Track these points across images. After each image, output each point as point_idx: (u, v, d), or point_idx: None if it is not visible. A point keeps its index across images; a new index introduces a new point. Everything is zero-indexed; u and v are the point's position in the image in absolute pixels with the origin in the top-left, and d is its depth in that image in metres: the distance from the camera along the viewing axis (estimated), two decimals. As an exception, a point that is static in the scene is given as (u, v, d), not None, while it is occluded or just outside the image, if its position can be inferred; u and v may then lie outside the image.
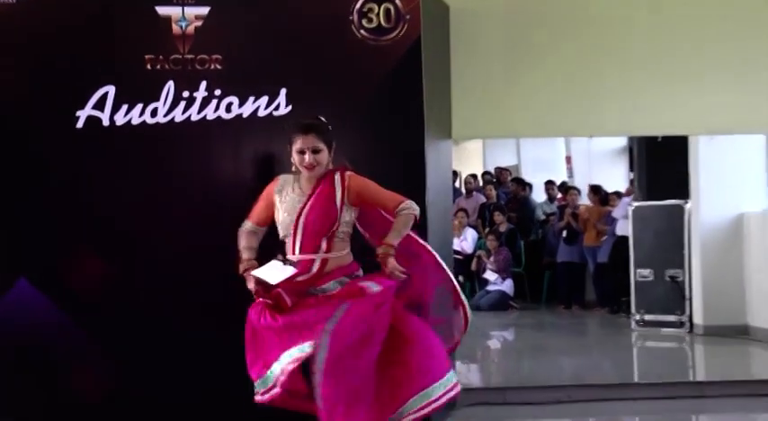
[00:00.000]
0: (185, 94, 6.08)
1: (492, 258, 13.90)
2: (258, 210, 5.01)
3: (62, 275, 6.01)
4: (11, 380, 6.00)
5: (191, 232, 6.08)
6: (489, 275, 13.88)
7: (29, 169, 6.05)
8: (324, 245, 4.76)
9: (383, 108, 6.26)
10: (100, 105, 6.00)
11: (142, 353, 6.04)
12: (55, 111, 6.03)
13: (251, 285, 4.81)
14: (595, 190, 13.71)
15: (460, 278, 13.72)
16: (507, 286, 13.86)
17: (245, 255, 4.96)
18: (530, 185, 16.22)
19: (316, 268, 4.76)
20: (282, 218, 4.85)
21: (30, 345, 6.00)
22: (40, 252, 6.03)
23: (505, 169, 17.71)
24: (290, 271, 4.73)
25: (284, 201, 4.87)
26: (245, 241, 5.00)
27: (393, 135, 6.27)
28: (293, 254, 4.80)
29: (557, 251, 13.79)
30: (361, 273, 4.88)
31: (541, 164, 17.46)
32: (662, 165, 12.28)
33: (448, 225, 7.57)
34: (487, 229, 14.78)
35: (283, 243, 4.90)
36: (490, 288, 13.84)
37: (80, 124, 6.01)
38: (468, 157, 19.55)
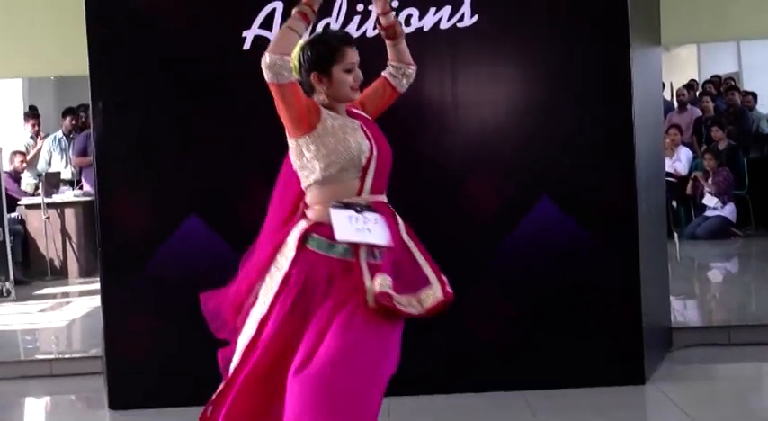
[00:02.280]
0: (359, 7, 6.05)
1: (710, 180, 13.51)
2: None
3: (230, 207, 6.13)
4: (179, 312, 6.20)
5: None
6: (708, 200, 13.51)
7: (195, 96, 6.16)
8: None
9: (582, 13, 6.09)
10: (267, 24, 6.04)
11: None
12: (220, 33, 6.11)
13: None
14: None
15: (674, 203, 13.40)
16: (729, 211, 13.45)
17: None
18: (754, 95, 15.63)
19: (392, 209, 4.01)
20: (346, 145, 3.89)
21: (200, 284, 6.18)
22: (209, 185, 6.16)
23: (727, 78, 17.10)
24: (378, 218, 3.91)
25: (345, 128, 3.93)
26: None
27: (594, 43, 6.11)
28: (359, 195, 3.92)
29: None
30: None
31: (767, 69, 16.81)
32: None
33: (659, 143, 7.36)
34: (704, 147, 14.35)
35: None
36: (709, 213, 13.48)
37: (247, 45, 6.07)
38: (680, 66, 18.95)
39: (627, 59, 6.06)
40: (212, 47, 6.14)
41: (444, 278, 3.90)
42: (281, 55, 3.75)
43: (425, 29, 6.04)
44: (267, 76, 3.78)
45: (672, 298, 7.48)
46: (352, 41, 4.02)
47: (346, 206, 3.84)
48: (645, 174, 6.29)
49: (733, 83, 16.68)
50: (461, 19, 6.04)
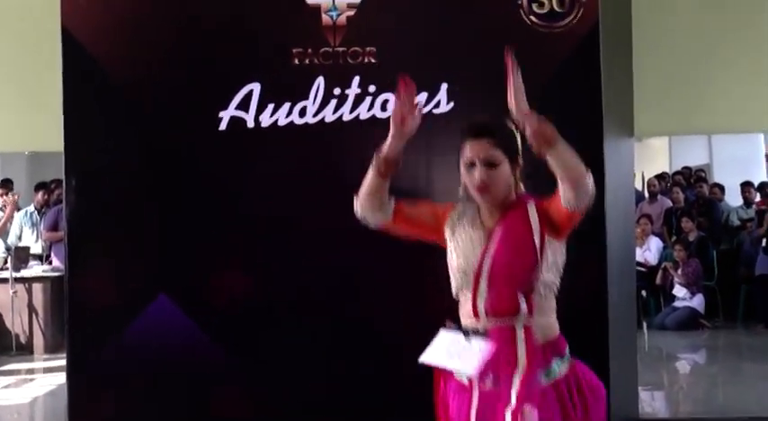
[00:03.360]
0: (337, 91, 6.10)
1: (680, 271, 13.54)
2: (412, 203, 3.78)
3: (201, 290, 6.11)
4: (147, 394, 6.12)
5: (346, 244, 6.09)
6: (677, 290, 13.53)
7: (169, 175, 6.16)
8: (523, 304, 3.48)
9: (556, 103, 6.09)
10: (244, 105, 6.08)
11: (285, 371, 6.10)
12: (196, 112, 6.12)
13: None
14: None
15: (643, 293, 13.43)
16: (697, 302, 13.47)
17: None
18: (721, 187, 15.78)
19: (521, 339, 3.48)
20: (458, 263, 3.58)
21: (167, 361, 6.13)
22: (180, 265, 6.14)
23: (698, 170, 17.26)
24: (481, 346, 3.46)
25: (459, 239, 3.62)
26: None
27: (567, 133, 6.03)
28: (476, 317, 3.53)
29: (755, 262, 13.35)
30: (568, 351, 3.63)
31: (737, 163, 16.97)
32: None
33: (630, 233, 7.39)
34: (674, 238, 14.42)
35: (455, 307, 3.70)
36: (678, 304, 13.50)
37: (223, 126, 6.09)
38: (652, 156, 19.13)
39: (600, 150, 6.11)
40: (188, 125, 6.15)
41: None
42: (360, 204, 3.76)
43: (401, 114, 6.06)
44: None
45: (639, 388, 7.45)
46: (479, 133, 3.61)
47: (460, 328, 3.54)
48: (616, 263, 6.31)
49: (703, 175, 16.83)
50: (437, 105, 6.08)
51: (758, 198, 14.93)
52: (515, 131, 3.61)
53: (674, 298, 13.59)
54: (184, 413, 6.12)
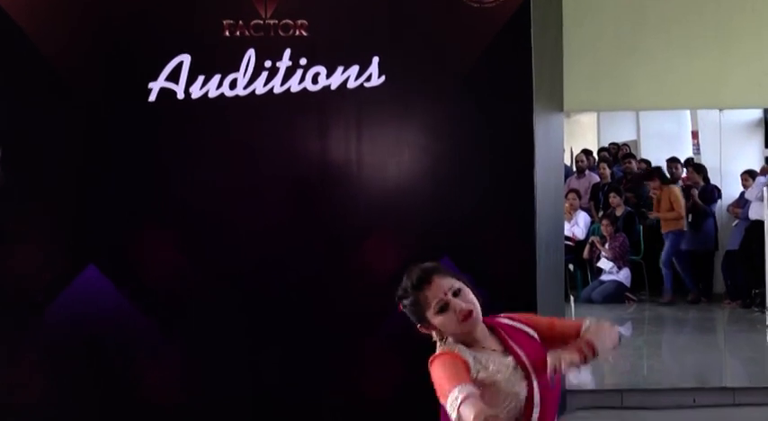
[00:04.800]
0: (267, 63, 6.06)
1: (607, 245, 13.69)
2: (454, 373, 3.35)
3: (131, 261, 6.06)
4: (76, 368, 6.07)
5: (271, 216, 6.08)
6: (603, 264, 13.68)
7: (98, 147, 6.09)
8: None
9: (487, 78, 6.16)
10: (174, 76, 6.02)
11: (216, 346, 6.08)
12: (125, 83, 6.05)
13: None
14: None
15: (570, 267, 13.55)
16: (623, 276, 13.64)
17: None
18: (648, 163, 15.94)
19: None
20: (506, 392, 3.38)
21: (96, 334, 6.08)
22: (110, 236, 6.08)
23: (623, 145, 17.40)
24: None
25: (493, 369, 3.41)
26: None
27: (498, 108, 6.18)
28: None
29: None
30: None
31: (664, 139, 17.13)
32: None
33: (559, 208, 7.46)
34: (601, 213, 14.56)
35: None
36: (604, 278, 13.65)
37: (152, 97, 6.03)
38: (580, 132, 19.21)
39: (530, 124, 6.15)
40: (116, 96, 6.07)
41: None
42: None
43: (332, 87, 6.06)
44: None
45: (567, 360, 7.53)
46: (427, 279, 3.46)
47: None
48: (545, 237, 6.36)
49: (629, 150, 16.96)
50: (369, 79, 6.07)
51: (684, 174, 15.10)
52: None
53: (600, 271, 13.74)
54: (114, 384, 6.06)
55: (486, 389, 3.31)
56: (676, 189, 13.42)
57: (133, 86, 6.02)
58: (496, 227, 6.16)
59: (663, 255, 13.43)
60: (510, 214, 6.19)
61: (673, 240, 13.37)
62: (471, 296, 3.43)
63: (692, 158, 15.98)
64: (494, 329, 3.49)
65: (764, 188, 11.52)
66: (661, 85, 7.35)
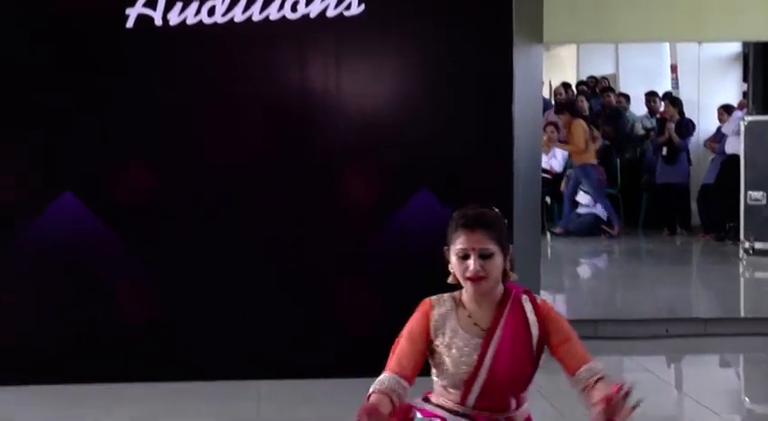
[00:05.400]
0: (245, -11, 5.99)
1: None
2: (400, 356, 3.52)
3: (107, 187, 6.04)
4: (53, 293, 6.08)
5: (250, 145, 6.06)
6: (581, 197, 13.74)
7: (74, 74, 6.04)
8: (513, 403, 3.53)
9: (465, 8, 6.13)
10: (151, 3, 5.95)
11: (193, 270, 6.11)
12: (102, 9, 5.99)
13: None
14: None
15: (548, 199, 13.61)
16: (600, 209, 13.71)
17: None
18: (627, 97, 15.95)
19: None
20: (453, 370, 3.49)
21: (72, 259, 6.08)
22: (86, 163, 6.05)
23: (602, 78, 17.39)
24: None
25: (451, 345, 3.51)
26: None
27: (476, 39, 6.16)
28: (461, 404, 3.51)
29: (656, 171, 13.61)
30: None
31: (643, 73, 17.14)
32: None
33: (537, 141, 7.47)
34: (580, 146, 14.58)
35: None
36: (581, 211, 13.71)
37: (130, 23, 5.96)
38: (560, 65, 19.22)
39: (509, 55, 6.13)
40: (93, 22, 6.01)
41: None
42: None
43: (312, 15, 6.01)
44: None
45: (542, 291, 7.59)
46: (475, 225, 3.47)
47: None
48: (522, 170, 6.38)
49: (607, 83, 16.96)
50: (348, 7, 6.02)
51: (662, 107, 15.13)
52: (505, 222, 3.59)
53: (577, 204, 13.80)
54: (88, 310, 6.08)
55: (434, 354, 3.50)
56: (579, 123, 13.40)
57: (110, 12, 5.95)
58: (474, 159, 6.16)
59: (569, 189, 13.48)
60: (488, 147, 6.19)
61: (579, 173, 13.40)
62: (496, 267, 3.45)
63: (671, 92, 16.03)
64: (503, 303, 3.52)
65: (741, 122, 11.54)
66: (641, 18, 7.34)
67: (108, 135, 6.04)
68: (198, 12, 5.96)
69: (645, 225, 14.11)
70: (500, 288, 3.54)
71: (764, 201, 11.07)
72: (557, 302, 8.88)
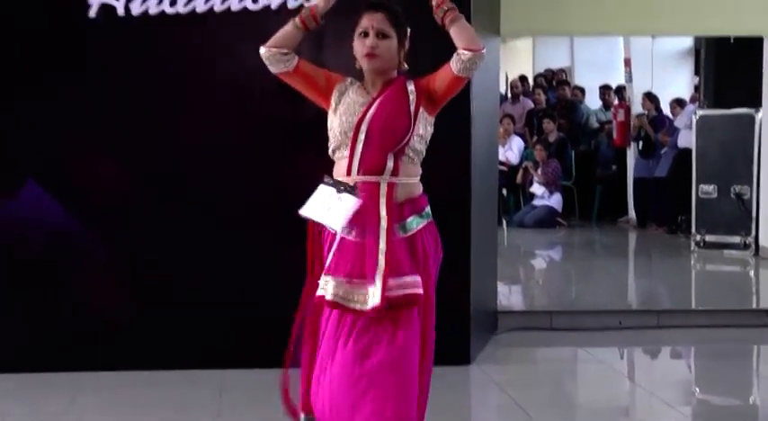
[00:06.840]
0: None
1: (539, 170, 13.86)
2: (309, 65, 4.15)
3: (70, 175, 6.05)
4: (19, 284, 6.09)
5: (213, 134, 6.08)
6: (536, 189, 13.87)
7: (36, 63, 6.04)
8: (390, 163, 3.92)
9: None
10: (115, -9, 5.96)
11: (159, 262, 6.14)
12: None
13: None
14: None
15: (504, 191, 13.72)
16: (555, 201, 13.84)
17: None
18: (582, 90, 16.10)
19: (383, 193, 3.91)
20: (339, 122, 3.95)
21: (38, 249, 6.09)
22: (49, 151, 6.06)
23: (559, 71, 17.54)
24: (350, 201, 3.86)
25: (342, 103, 4.00)
26: None
27: (432, 30, 6.19)
28: (348, 175, 3.93)
29: (611, 163, 13.75)
30: (429, 210, 4.08)
31: (597, 66, 17.29)
32: (731, 69, 12.11)
33: (494, 132, 7.53)
34: (535, 138, 14.71)
35: (331, 166, 4.06)
36: (536, 202, 13.85)
37: (92, 13, 5.97)
38: (516, 57, 19.35)
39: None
40: (55, 11, 6.01)
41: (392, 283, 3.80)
42: (269, 48, 4.03)
43: (273, 6, 6.01)
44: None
45: (498, 283, 7.68)
46: (376, 6, 3.99)
47: (336, 184, 3.91)
48: (479, 161, 6.44)
49: (564, 76, 17.11)
50: (309, -1, 6.05)
51: (616, 101, 15.29)
52: (403, 15, 4.03)
53: (533, 196, 13.92)
54: (52, 299, 6.09)
55: (334, 114, 4.00)
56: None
57: (73, 1, 5.96)
58: (432, 151, 6.20)
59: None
60: (445, 138, 6.22)
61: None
62: (390, 49, 3.96)
63: (624, 87, 16.19)
64: (391, 82, 4.00)
65: (693, 116, 11.69)
66: (596, 11, 7.42)
67: (71, 124, 6.05)
68: (160, 1, 5.98)
69: (598, 217, 14.28)
70: (394, 73, 4.03)
71: (715, 195, 11.23)
72: (512, 293, 8.98)
